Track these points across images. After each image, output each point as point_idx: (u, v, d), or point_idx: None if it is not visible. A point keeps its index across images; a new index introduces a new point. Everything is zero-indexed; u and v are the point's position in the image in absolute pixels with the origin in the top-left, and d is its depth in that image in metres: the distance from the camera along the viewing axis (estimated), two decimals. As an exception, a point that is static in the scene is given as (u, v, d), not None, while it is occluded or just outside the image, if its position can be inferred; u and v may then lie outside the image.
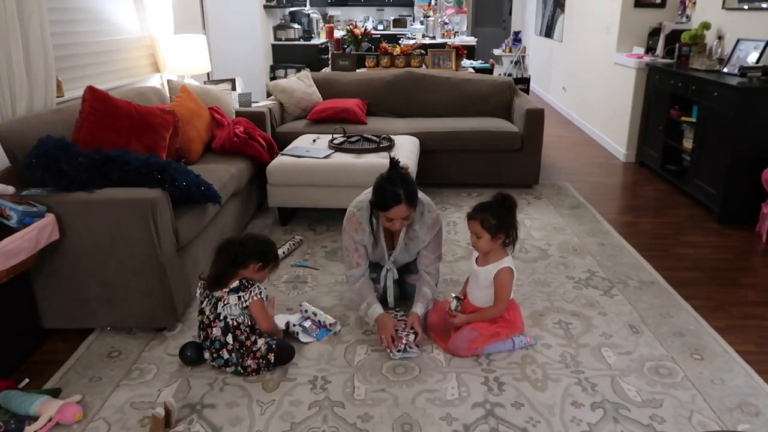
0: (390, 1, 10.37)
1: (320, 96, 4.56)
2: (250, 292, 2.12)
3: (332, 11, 10.18)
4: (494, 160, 4.21)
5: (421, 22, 8.85)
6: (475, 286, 2.31)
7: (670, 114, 4.39)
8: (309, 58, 7.27)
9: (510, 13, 11.19)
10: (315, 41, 7.68)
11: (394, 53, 5.41)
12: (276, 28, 7.40)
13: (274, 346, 2.16)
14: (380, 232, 2.43)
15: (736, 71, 3.77)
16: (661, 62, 4.71)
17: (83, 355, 2.30)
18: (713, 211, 3.74)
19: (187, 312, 2.57)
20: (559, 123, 6.97)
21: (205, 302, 2.17)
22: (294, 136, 4.02)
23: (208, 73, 4.73)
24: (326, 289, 2.80)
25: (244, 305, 2.11)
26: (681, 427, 1.88)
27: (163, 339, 2.40)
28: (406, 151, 3.60)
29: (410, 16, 9.95)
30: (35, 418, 1.87)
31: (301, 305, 2.50)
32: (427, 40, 7.28)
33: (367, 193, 2.43)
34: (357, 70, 5.33)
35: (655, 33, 5.10)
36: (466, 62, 5.98)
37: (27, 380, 2.14)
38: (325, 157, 3.45)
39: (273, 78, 6.73)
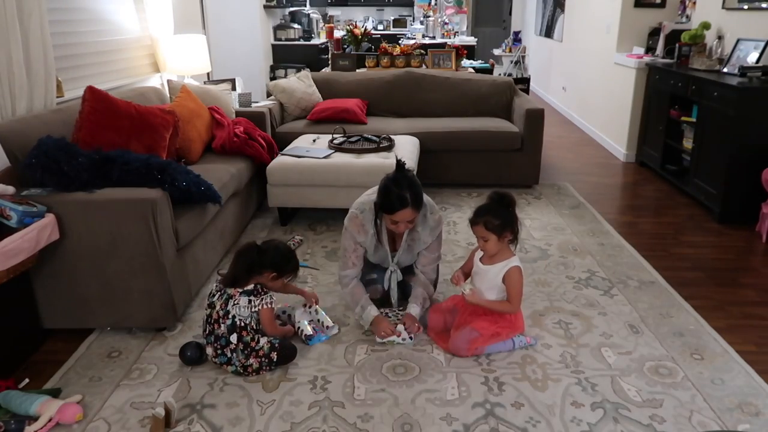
0: (390, 1, 10.38)
1: (320, 96, 4.56)
2: (262, 299, 2.14)
3: (332, 11, 10.18)
4: (494, 160, 4.21)
5: (421, 22, 8.85)
6: (481, 285, 2.30)
7: (670, 114, 4.39)
8: (309, 58, 7.27)
9: (510, 13, 11.19)
10: (315, 41, 7.68)
11: (394, 53, 5.41)
12: (276, 28, 7.40)
13: (276, 344, 2.17)
14: (383, 233, 2.43)
15: (736, 71, 3.77)
16: (661, 62, 4.71)
17: (83, 355, 2.30)
18: (713, 211, 3.74)
19: (187, 312, 2.58)
20: (559, 123, 6.97)
21: (217, 296, 2.18)
22: (294, 136, 4.02)
23: (208, 73, 4.72)
24: (326, 289, 2.80)
25: (254, 310, 2.13)
26: (681, 427, 1.88)
27: (163, 339, 2.40)
28: (406, 151, 3.60)
29: (410, 16, 9.95)
30: (35, 418, 1.88)
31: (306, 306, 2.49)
32: (427, 40, 7.28)
33: (369, 194, 2.42)
34: (357, 70, 5.33)
35: (655, 33, 5.10)
36: (466, 62, 5.98)
37: (27, 380, 2.14)
38: (325, 157, 3.45)
39: (273, 78, 6.73)
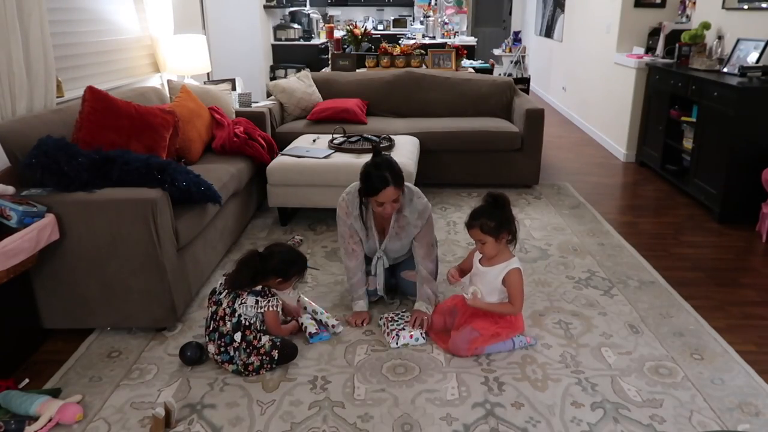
0: (390, 1, 10.37)
1: (320, 96, 4.56)
2: (269, 300, 2.16)
3: (332, 11, 10.18)
4: (494, 160, 4.21)
5: (421, 22, 8.85)
6: (481, 286, 2.29)
7: (670, 114, 4.39)
8: (309, 58, 7.27)
9: (510, 13, 11.19)
10: (315, 41, 7.68)
11: (394, 53, 5.41)
12: (276, 28, 7.40)
13: (278, 343, 2.17)
14: (370, 220, 2.48)
15: (736, 71, 3.77)
16: (661, 62, 4.71)
17: (83, 355, 2.30)
18: (713, 211, 3.74)
19: (187, 312, 2.58)
20: (559, 123, 6.97)
21: (224, 294, 2.18)
22: (294, 136, 4.02)
23: (208, 73, 4.73)
24: (326, 289, 2.80)
25: (260, 311, 2.15)
26: (681, 427, 1.88)
27: (163, 339, 2.40)
28: (406, 151, 3.60)
29: (410, 16, 9.95)
30: (35, 418, 1.88)
31: (299, 300, 2.50)
32: (427, 40, 7.28)
33: (354, 184, 2.49)
34: (357, 70, 5.33)
35: (655, 33, 5.10)
36: (466, 62, 5.98)
37: (27, 380, 2.14)
38: (325, 157, 3.45)
39: (273, 78, 6.73)
